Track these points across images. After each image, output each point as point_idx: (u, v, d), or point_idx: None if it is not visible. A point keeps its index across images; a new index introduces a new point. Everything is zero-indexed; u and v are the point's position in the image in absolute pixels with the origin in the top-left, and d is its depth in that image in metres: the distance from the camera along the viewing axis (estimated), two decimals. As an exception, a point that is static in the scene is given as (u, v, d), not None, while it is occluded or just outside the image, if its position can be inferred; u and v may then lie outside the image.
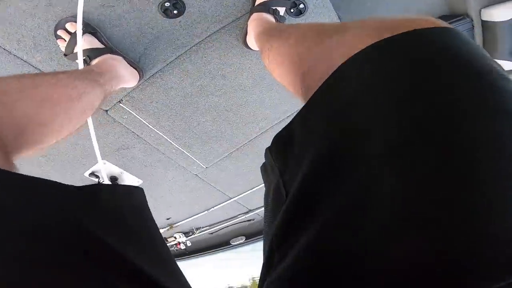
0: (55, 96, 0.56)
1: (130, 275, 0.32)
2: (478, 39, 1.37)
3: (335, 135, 0.26)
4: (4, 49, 0.87)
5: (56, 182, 0.34)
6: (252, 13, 0.92)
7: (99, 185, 0.41)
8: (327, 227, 0.24)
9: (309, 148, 0.28)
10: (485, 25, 1.34)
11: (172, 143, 1.25)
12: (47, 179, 0.32)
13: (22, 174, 0.31)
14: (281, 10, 0.93)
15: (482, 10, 1.33)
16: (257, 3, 0.92)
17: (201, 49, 1.02)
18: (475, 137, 0.20)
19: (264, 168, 0.39)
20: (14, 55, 0.88)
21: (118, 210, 0.41)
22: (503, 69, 0.25)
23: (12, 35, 0.85)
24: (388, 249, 0.20)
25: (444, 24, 0.27)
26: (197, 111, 1.17)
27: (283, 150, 0.34)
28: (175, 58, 1.02)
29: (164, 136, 1.22)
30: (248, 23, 0.93)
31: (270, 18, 0.91)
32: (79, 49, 0.80)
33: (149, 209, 0.51)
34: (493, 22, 1.29)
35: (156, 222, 0.49)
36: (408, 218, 0.20)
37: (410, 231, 0.20)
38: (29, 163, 1.22)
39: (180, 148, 1.27)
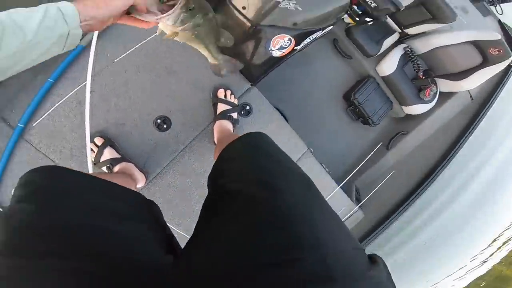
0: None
1: None
2: (387, 92, 1.61)
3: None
4: (48, 157, 1.22)
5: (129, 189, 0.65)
6: (215, 121, 1.33)
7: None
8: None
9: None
10: (385, 79, 1.61)
11: (175, 229, 1.53)
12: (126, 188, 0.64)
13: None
14: (234, 115, 1.35)
15: (376, 68, 1.61)
16: (217, 113, 1.34)
17: (187, 153, 1.42)
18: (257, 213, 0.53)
19: None
20: (52, 160, 1.22)
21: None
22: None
23: (56, 146, 1.21)
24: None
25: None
26: (191, 202, 1.49)
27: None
28: (169, 162, 1.41)
29: (168, 224, 1.51)
30: (214, 129, 1.35)
31: (228, 123, 1.32)
32: (88, 162, 1.13)
33: None
34: (387, 75, 1.57)
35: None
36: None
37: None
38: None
39: (181, 233, 1.54)
